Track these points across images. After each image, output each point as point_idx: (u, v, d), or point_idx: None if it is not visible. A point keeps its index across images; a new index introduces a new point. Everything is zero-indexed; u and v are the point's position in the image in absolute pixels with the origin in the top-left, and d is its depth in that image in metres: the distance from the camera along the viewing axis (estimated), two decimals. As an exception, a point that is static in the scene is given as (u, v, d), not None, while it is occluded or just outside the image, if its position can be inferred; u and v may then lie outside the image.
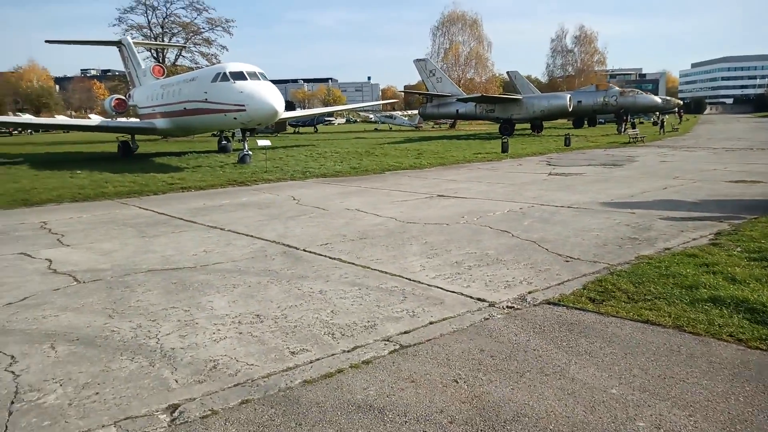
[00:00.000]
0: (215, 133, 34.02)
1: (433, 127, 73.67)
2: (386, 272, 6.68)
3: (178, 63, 51.14)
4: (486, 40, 71.18)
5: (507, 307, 5.33)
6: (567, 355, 4.25)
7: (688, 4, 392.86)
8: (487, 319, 5.02)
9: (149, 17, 50.72)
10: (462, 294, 5.76)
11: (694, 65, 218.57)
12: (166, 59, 49.89)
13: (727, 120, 76.45)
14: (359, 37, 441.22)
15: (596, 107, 42.09)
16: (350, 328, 4.91)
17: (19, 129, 77.53)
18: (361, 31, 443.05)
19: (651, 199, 11.83)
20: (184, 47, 50.39)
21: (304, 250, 8.03)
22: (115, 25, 51.01)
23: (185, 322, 5.18)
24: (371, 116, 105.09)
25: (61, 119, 37.23)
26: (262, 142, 21.24)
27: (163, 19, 50.96)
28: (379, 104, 68.54)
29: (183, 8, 52.39)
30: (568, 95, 40.72)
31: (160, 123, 26.62)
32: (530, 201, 11.91)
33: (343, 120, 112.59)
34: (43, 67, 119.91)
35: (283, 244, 8.48)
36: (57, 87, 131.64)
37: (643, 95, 42.67)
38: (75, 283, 6.65)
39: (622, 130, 34.10)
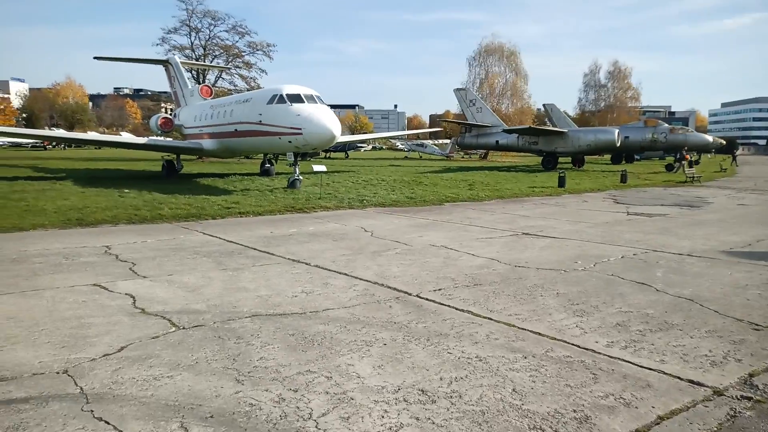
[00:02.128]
0: (243, 156, 33.44)
1: (462, 157, 72.90)
2: (541, 334, 5.58)
3: (217, 85, 51.18)
4: (523, 71, 70.60)
5: (741, 396, 4.19)
6: None
7: (717, 43, 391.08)
8: (734, 416, 3.87)
9: (192, 39, 51.06)
10: (663, 373, 4.63)
11: (724, 105, 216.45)
12: (206, 80, 49.95)
13: (761, 162, 74.37)
14: (386, 66, 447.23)
15: (644, 144, 40.75)
16: (557, 419, 3.81)
17: (54, 143, 78.58)
18: (388, 60, 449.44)
19: (774, 249, 10.61)
20: (228, 69, 50.48)
21: (419, 296, 6.98)
22: (158, 45, 51.41)
23: (337, 397, 4.12)
24: (398, 144, 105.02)
25: (118, 137, 37.14)
26: (318, 168, 20.43)
27: (206, 41, 51.25)
28: (425, 132, 67.34)
29: (226, 31, 52.68)
30: (617, 130, 39.49)
31: (207, 143, 26.05)
32: (636, 246, 10.75)
33: (369, 147, 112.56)
34: (80, 84, 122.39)
35: (389, 287, 7.44)
36: (91, 104, 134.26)
37: (694, 133, 41.26)
38: (173, 328, 5.66)
39: (678, 168, 32.73)
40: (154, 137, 29.00)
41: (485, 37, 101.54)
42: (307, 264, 8.94)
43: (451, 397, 4.13)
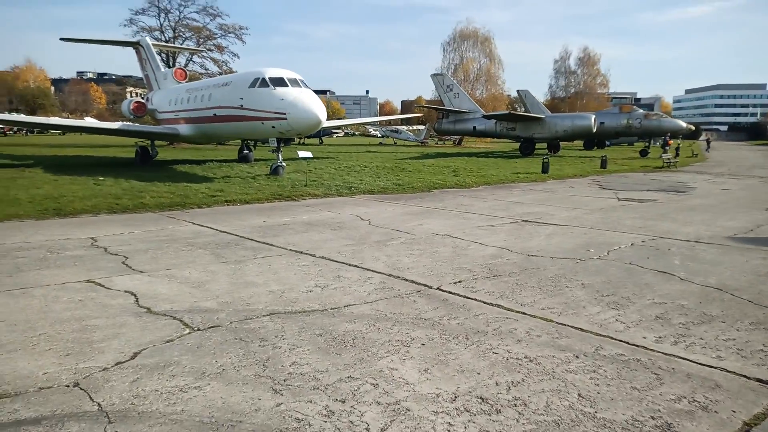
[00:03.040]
0: (220, 142, 32.52)
1: (437, 143, 72.68)
2: (583, 330, 5.28)
3: (188, 68, 49.58)
4: (497, 57, 70.47)
5: (819, 396, 3.95)
6: None
7: (681, 31, 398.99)
8: (825, 418, 3.62)
9: (161, 20, 49.26)
10: (727, 371, 4.38)
11: (687, 91, 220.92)
12: (176, 64, 48.35)
13: (726, 147, 75.98)
14: (356, 51, 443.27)
15: (619, 129, 41.10)
16: (638, 428, 3.51)
17: (15, 129, 75.51)
18: (358, 45, 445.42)
19: (776, 234, 10.59)
20: (201, 51, 48.88)
21: (440, 290, 6.62)
22: (125, 26, 49.42)
23: (391, 408, 3.73)
24: (371, 129, 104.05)
25: (88, 121, 35.38)
26: (303, 154, 19.82)
27: (176, 22, 49.50)
28: (403, 117, 66.40)
29: (197, 12, 50.97)
30: (593, 116, 39.72)
31: (183, 129, 25.08)
32: (641, 232, 10.60)
33: (342, 133, 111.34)
34: (41, 68, 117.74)
35: (406, 280, 7.06)
36: (53, 88, 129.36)
37: (668, 119, 41.83)
38: (187, 330, 5.18)
39: (667, 152, 33.17)
40: (127, 122, 27.77)
41: (460, 22, 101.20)
42: (311, 255, 8.49)
43: (516, 405, 3.78)
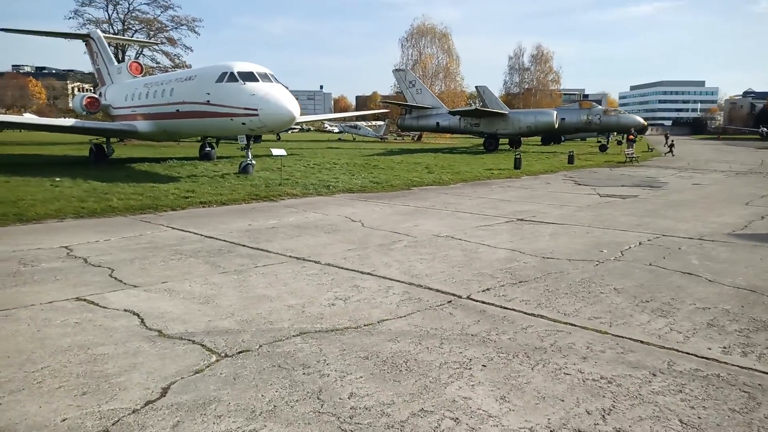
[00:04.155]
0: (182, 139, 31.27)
1: (395, 139, 72.48)
2: (643, 342, 4.96)
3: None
4: (455, 54, 70.75)
5: None
6: None
7: (623, 30, 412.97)
8: None
9: (110, 11, 46.92)
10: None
11: (632, 88, 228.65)
12: (125, 57, 46.18)
13: (677, 142, 78.74)
14: (308, 46, 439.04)
15: (579, 125, 41.83)
16: (765, 460, 3.17)
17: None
18: (311, 41, 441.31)
19: (770, 230, 10.69)
20: (153, 44, 46.81)
21: (471, 299, 6.21)
22: (70, 18, 46.84)
23: (487, 448, 3.27)
24: (327, 125, 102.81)
25: (31, 118, 32.99)
26: (277, 151, 19.04)
27: (125, 14, 47.26)
28: (372, 113, 65.02)
29: (146, 4, 48.83)
30: (555, 112, 40.26)
31: (142, 125, 23.76)
32: (642, 230, 10.50)
33: (298, 129, 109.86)
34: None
35: (429, 288, 6.62)
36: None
37: (626, 115, 42.83)
38: (214, 357, 4.57)
39: (630, 146, 33.82)
40: (79, 119, 26.09)
41: (416, 18, 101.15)
42: (316, 262, 7.93)
43: (621, 437, 3.39)
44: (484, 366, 4.43)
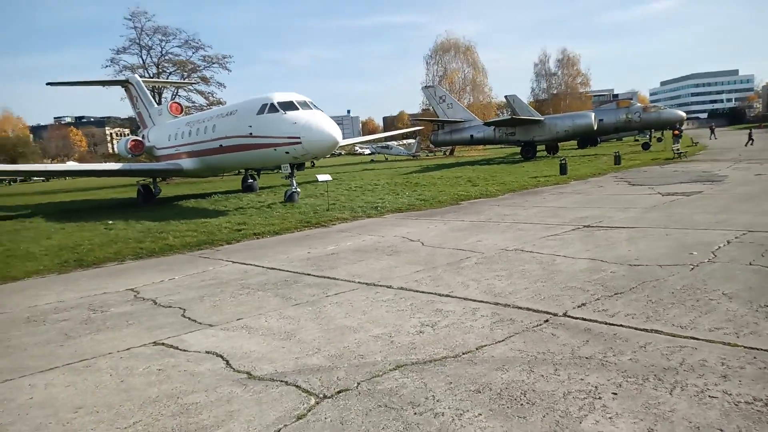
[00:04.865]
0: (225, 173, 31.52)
1: (427, 156, 72.15)
2: (783, 352, 4.41)
3: (175, 102, 48.71)
4: (481, 66, 70.42)
5: None
6: None
7: (648, 26, 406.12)
8: None
9: (143, 57, 48.39)
10: None
11: (663, 83, 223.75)
12: (162, 100, 47.41)
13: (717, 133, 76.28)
14: (333, 73, 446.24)
15: (618, 125, 40.68)
16: None
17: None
18: (335, 67, 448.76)
19: None
20: (188, 84, 47.99)
21: (569, 316, 5.73)
22: (107, 66, 48.50)
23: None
24: (357, 148, 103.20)
25: (82, 165, 34.09)
26: (323, 177, 18.93)
27: (159, 58, 48.66)
28: (406, 132, 63.88)
29: (179, 47, 50.16)
30: (593, 113, 39.34)
31: (187, 163, 24.08)
32: (725, 228, 9.82)
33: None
34: (18, 116, 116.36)
35: (519, 308, 6.17)
36: (31, 135, 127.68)
37: (667, 110, 41.52)
38: (313, 399, 4.23)
39: (673, 144, 32.60)
40: (127, 162, 26.68)
41: (440, 35, 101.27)
42: (388, 287, 7.57)
43: (814, 472, 2.88)
44: (615, 394, 3.96)
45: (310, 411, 4.04)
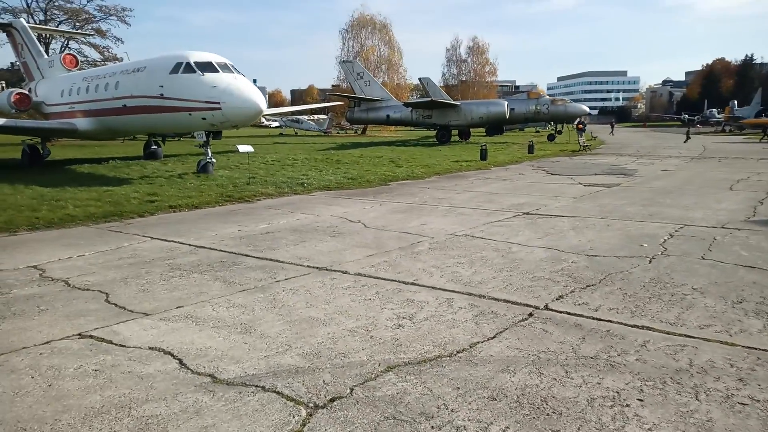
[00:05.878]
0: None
1: (338, 133, 71.29)
2: (783, 352, 4.35)
3: (65, 55, 43.93)
4: (397, 45, 70.18)
5: None
6: None
7: (547, 23, 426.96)
8: None
9: (29, 0, 43.08)
10: None
11: (559, 78, 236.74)
12: (49, 51, 42.62)
13: (606, 130, 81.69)
14: (238, 39, 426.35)
15: (528, 115, 42.23)
16: None
17: None
18: (238, 33, 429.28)
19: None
20: (82, 35, 43.32)
21: (551, 309, 5.45)
22: (-18, 7, 42.66)
23: None
24: (263, 120, 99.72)
25: None
26: (244, 148, 17.66)
27: (47, 3, 43.51)
28: (324, 106, 61.77)
29: (71, -8, 45.20)
30: (506, 102, 40.44)
31: (83, 123, 21.58)
32: (658, 221, 10.14)
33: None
34: None
35: (495, 299, 5.82)
36: None
37: (573, 104, 43.60)
38: (303, 410, 3.56)
39: (579, 138, 34.17)
40: (11, 118, 23.41)
41: (356, 9, 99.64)
42: (344, 272, 6.96)
43: None
44: (641, 400, 3.66)
45: (305, 426, 3.38)
